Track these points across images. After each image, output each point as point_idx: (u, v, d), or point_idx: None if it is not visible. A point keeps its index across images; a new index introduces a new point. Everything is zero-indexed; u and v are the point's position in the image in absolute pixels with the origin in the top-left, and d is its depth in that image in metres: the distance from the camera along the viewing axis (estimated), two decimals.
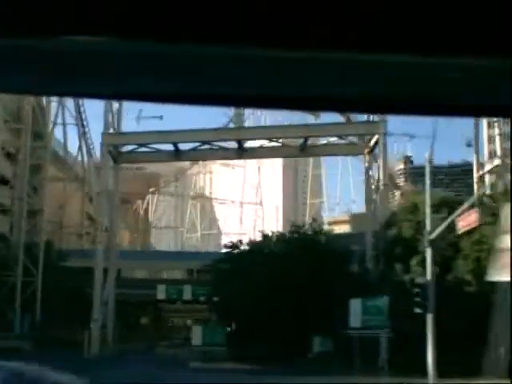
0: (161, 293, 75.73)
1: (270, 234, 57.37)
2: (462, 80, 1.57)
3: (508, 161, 47.99)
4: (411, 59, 1.53)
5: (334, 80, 1.58)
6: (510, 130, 57.35)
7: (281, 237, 55.47)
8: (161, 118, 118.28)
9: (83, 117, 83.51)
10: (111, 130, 59.49)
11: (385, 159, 55.16)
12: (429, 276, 34.24)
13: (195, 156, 60.86)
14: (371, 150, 57.04)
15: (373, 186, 56.48)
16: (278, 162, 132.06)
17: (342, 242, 52.42)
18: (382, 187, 54.24)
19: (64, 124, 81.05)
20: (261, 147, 59.80)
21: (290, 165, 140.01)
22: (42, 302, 64.82)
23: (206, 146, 58.70)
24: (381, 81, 1.59)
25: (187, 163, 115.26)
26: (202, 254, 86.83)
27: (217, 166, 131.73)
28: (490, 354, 36.87)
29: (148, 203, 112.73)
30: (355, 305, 39.30)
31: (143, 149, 59.20)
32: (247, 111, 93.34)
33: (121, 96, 1.53)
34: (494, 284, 36.56)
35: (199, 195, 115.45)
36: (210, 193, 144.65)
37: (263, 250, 53.19)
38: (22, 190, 68.98)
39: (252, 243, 57.22)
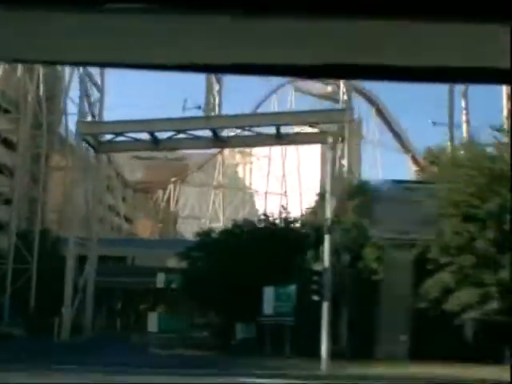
0: (160, 281, 76.30)
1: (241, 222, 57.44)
2: (462, 45, 1.57)
3: None
4: (410, 24, 1.52)
5: (333, 47, 1.59)
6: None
7: (250, 226, 55.46)
8: (199, 107, 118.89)
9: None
10: (89, 119, 60.45)
11: (350, 147, 54.95)
12: (326, 263, 33.97)
13: (172, 145, 61.28)
14: (344, 139, 56.65)
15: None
16: (315, 150, 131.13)
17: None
18: (345, 175, 54.03)
19: (66, 114, 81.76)
20: (236, 136, 59.97)
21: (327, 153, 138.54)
22: (37, 289, 66.07)
23: (182, 135, 59.23)
24: (380, 47, 1.57)
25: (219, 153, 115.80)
26: None
27: (240, 157, 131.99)
28: (392, 341, 36.58)
29: (170, 193, 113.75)
30: (268, 292, 39.33)
31: (123, 138, 60.06)
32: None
33: (122, 65, 1.68)
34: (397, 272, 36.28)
35: (221, 185, 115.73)
36: (250, 183, 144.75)
37: (229, 239, 53.31)
38: (21, 179, 70.45)
39: (223, 232, 57.40)
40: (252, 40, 1.58)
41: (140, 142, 60.44)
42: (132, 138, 60.00)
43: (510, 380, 18.99)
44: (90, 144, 59.67)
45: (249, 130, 58.20)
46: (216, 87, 60.48)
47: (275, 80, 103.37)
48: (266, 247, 45.08)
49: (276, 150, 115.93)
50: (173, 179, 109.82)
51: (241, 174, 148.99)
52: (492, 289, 31.60)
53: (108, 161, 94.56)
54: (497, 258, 31.64)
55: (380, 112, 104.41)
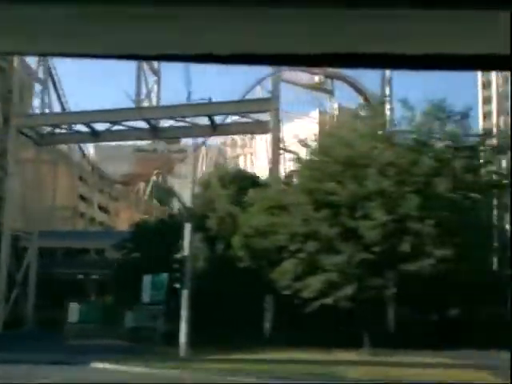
0: None
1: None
2: (461, 31, 1.56)
3: None
4: (409, 11, 1.51)
5: (330, 35, 1.58)
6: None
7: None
8: (210, 99, 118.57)
9: (63, 100, 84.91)
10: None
11: (276, 135, 55.07)
12: (186, 251, 34.00)
13: (111, 136, 61.34)
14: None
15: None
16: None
17: None
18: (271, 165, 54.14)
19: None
20: (172, 127, 59.87)
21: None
22: None
23: (120, 127, 59.40)
24: (379, 34, 1.57)
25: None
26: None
27: (240, 149, 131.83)
28: (259, 330, 36.54)
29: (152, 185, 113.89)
30: (146, 281, 39.36)
31: (65, 130, 60.42)
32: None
33: (119, 56, 1.71)
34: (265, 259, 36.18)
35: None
36: (254, 173, 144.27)
37: (163, 229, 53.37)
38: None
39: (156, 222, 57.63)
40: (251, 29, 1.56)
41: (80, 134, 60.62)
42: (73, 130, 60.36)
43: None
44: (29, 137, 60.00)
45: (183, 121, 58.18)
46: (153, 78, 60.34)
47: (260, 70, 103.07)
48: (170, 236, 45.18)
49: (261, 142, 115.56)
50: (155, 172, 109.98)
51: (242, 166, 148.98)
52: (333, 275, 31.42)
53: (82, 155, 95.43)
54: (336, 244, 31.43)
55: (367, 101, 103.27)
